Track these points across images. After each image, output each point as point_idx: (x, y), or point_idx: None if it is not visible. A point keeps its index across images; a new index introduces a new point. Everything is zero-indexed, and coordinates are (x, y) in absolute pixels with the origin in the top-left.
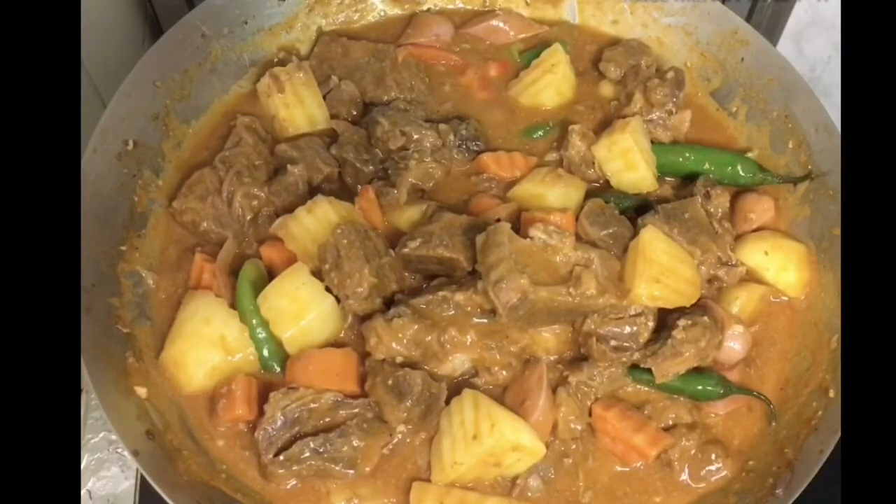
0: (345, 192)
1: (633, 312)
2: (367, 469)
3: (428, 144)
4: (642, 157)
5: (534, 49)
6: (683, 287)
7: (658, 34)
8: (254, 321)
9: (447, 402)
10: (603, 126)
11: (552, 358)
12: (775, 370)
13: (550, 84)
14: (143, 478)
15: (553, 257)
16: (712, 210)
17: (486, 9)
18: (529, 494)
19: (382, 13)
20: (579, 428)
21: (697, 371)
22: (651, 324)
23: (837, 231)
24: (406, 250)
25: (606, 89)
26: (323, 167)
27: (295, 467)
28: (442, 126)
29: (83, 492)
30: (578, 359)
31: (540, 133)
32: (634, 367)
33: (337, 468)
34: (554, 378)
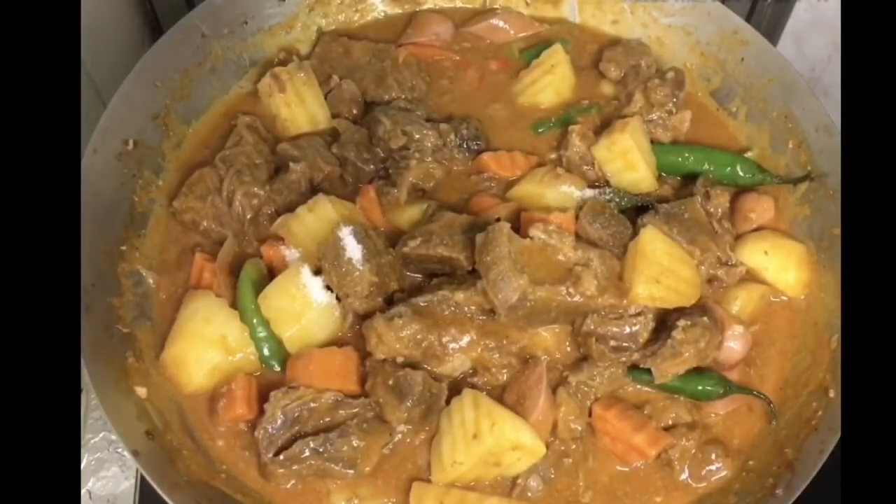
0: (346, 191)
1: (632, 312)
2: (367, 469)
3: (429, 144)
4: (642, 157)
5: (534, 47)
6: (683, 287)
7: (658, 34)
8: (254, 320)
9: (447, 402)
10: (603, 126)
11: (552, 357)
12: (775, 370)
13: (550, 85)
14: (143, 478)
15: (553, 257)
16: (712, 210)
17: (486, 7)
18: (529, 494)
19: (383, 13)
20: (579, 428)
21: (697, 371)
22: (651, 324)
23: (837, 231)
24: (406, 249)
25: (606, 89)
26: (324, 166)
27: (295, 467)
28: (443, 125)
29: (83, 492)
30: (578, 359)
31: (543, 129)
32: (634, 367)
33: (337, 468)
34: (554, 378)
